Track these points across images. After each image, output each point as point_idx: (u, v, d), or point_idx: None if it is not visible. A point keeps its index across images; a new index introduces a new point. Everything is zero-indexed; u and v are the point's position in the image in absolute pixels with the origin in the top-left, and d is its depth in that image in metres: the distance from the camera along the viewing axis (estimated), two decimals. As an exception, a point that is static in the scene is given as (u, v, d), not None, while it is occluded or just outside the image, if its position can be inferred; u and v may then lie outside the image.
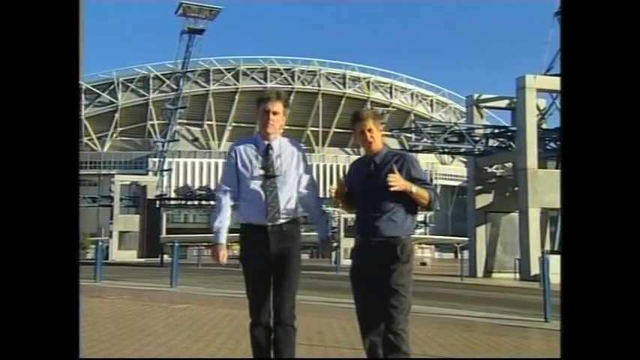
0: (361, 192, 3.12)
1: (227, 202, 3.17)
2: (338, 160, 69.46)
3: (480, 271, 25.60)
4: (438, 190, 65.30)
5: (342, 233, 36.04)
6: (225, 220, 3.17)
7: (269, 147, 3.13)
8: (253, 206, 3.09)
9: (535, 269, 21.35)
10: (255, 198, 3.08)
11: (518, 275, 23.34)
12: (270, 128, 3.12)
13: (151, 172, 58.84)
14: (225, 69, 74.19)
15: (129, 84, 72.09)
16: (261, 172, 3.09)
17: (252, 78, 74.32)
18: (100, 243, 17.31)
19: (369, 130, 3.11)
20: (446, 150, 27.93)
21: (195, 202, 50.20)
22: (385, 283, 2.97)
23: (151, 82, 71.97)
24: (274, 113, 3.11)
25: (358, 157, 3.44)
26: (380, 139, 3.16)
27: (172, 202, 49.87)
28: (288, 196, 3.11)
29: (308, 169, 3.24)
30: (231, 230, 3.16)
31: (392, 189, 2.92)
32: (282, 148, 3.15)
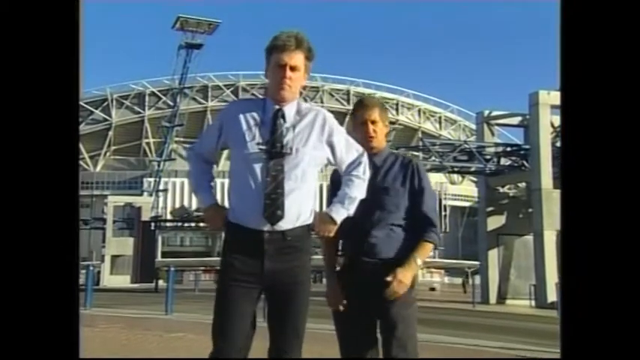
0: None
1: (202, 162, 2.44)
2: (342, 180, 69.40)
3: (493, 298, 25.43)
4: (448, 210, 65.18)
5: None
6: (209, 180, 2.43)
7: (279, 113, 2.29)
8: (244, 198, 2.24)
9: (552, 296, 21.23)
10: (248, 185, 2.23)
11: (533, 302, 23.16)
12: (286, 91, 2.28)
13: (146, 193, 59.05)
14: (224, 85, 74.82)
15: (123, 100, 72.64)
16: (263, 146, 2.24)
17: (252, 94, 74.83)
18: (91, 268, 17.29)
19: (373, 122, 2.63)
20: (455, 169, 27.96)
21: (193, 224, 50.17)
22: (384, 317, 2.52)
23: (146, 98, 72.52)
24: (292, 69, 2.27)
25: None
26: (383, 137, 2.69)
27: (168, 224, 49.88)
28: (299, 187, 2.25)
29: (343, 138, 2.41)
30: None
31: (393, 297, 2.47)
32: (300, 116, 2.32)
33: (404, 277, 2.49)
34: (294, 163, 2.24)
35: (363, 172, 2.41)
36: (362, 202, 2.45)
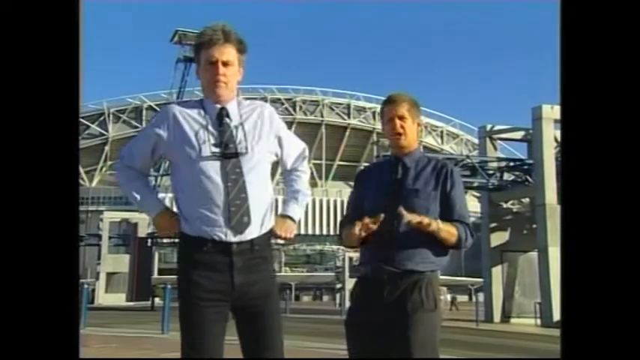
0: (380, 204, 2.39)
1: (136, 171, 2.25)
2: (342, 195, 69.47)
3: (497, 316, 25.26)
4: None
5: (347, 273, 35.78)
6: (150, 185, 2.26)
7: (223, 112, 2.17)
8: (203, 207, 2.07)
9: (558, 314, 21.07)
10: (206, 193, 2.07)
11: (539, 321, 23.00)
12: (222, 89, 2.16)
13: (142, 209, 58.85)
14: None
15: (120, 115, 72.92)
16: (216, 149, 2.10)
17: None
18: (86, 286, 17.22)
19: (401, 118, 2.47)
20: (458, 184, 27.89)
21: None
22: (401, 338, 2.25)
23: (144, 112, 72.73)
24: (225, 64, 2.15)
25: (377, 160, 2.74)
26: (414, 136, 2.52)
27: (165, 241, 49.62)
28: (260, 189, 2.14)
29: (287, 132, 2.35)
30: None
31: (407, 224, 2.26)
32: (244, 113, 2.20)
33: (421, 217, 2.27)
34: (252, 164, 2.13)
35: (306, 167, 2.40)
36: (388, 205, 2.34)
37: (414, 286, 2.32)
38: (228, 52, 2.16)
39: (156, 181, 61.77)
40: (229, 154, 2.10)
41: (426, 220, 2.29)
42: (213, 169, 2.08)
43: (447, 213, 2.42)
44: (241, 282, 2.08)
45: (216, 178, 2.08)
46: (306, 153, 2.42)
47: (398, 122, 2.47)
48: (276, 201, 2.29)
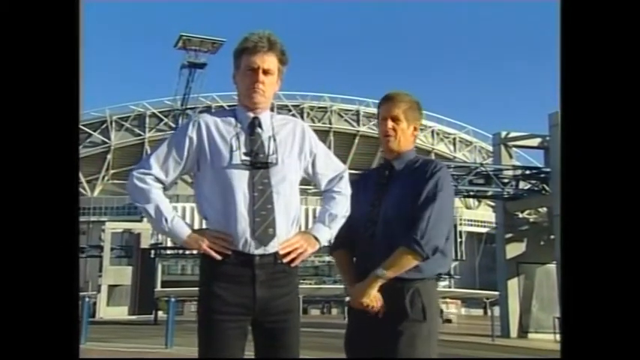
0: (366, 213, 2.35)
1: (161, 189, 2.18)
2: (352, 205, 69.29)
3: (514, 331, 25.07)
4: (463, 237, 64.86)
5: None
6: (169, 208, 2.15)
7: (256, 121, 2.19)
8: (228, 217, 2.09)
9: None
10: (232, 202, 2.08)
11: (558, 336, 22.81)
12: (259, 96, 2.18)
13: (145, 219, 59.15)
14: (228, 106, 74.22)
15: (123, 122, 73.32)
16: (245, 158, 2.12)
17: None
18: (87, 299, 17.27)
19: (394, 119, 2.38)
20: (471, 193, 27.83)
21: (194, 252, 50.10)
22: (386, 351, 2.18)
23: (147, 120, 73.15)
24: (265, 72, 2.18)
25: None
26: (408, 139, 2.42)
27: (169, 252, 49.78)
28: (287, 202, 2.14)
29: (324, 150, 2.34)
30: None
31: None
32: (276, 126, 2.22)
33: (360, 293, 2.24)
34: (281, 176, 2.14)
35: (345, 188, 2.32)
36: (375, 214, 2.33)
37: (398, 296, 2.24)
38: (270, 61, 2.19)
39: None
40: (259, 163, 2.13)
41: (363, 296, 2.24)
42: (241, 177, 2.10)
43: (414, 213, 2.26)
44: (263, 296, 2.08)
45: (243, 187, 2.09)
46: (345, 174, 2.36)
47: (390, 123, 2.39)
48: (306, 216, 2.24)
